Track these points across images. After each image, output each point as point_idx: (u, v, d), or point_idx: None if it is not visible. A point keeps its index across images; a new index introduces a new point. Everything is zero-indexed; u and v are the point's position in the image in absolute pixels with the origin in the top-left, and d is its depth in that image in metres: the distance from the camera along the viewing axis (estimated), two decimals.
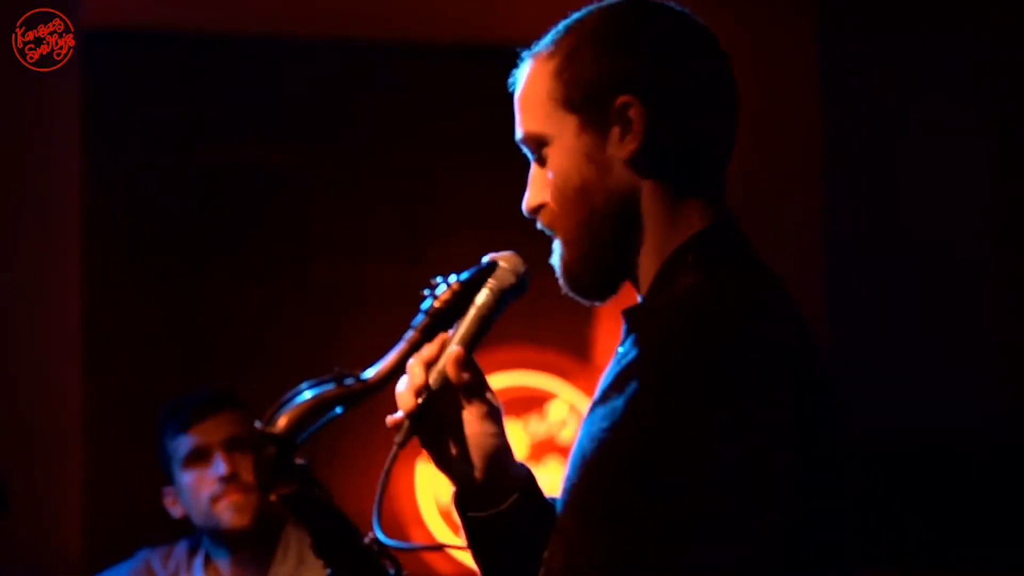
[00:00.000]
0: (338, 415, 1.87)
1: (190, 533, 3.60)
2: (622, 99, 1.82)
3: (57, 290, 4.42)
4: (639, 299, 1.87)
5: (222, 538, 3.50)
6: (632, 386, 1.73)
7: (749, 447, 1.69)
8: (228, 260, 4.72)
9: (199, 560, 3.56)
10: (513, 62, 1.93)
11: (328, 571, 1.91)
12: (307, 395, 1.85)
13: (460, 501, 1.94)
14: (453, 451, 1.93)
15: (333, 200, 4.81)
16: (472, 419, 1.90)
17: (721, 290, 1.80)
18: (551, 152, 1.87)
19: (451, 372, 1.89)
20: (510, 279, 1.92)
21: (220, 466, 3.46)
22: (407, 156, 4.84)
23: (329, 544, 1.87)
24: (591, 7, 1.89)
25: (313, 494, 1.84)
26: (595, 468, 1.75)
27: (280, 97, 4.78)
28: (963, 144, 4.87)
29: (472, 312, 1.91)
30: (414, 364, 1.90)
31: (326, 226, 4.80)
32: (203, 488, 3.48)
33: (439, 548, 1.87)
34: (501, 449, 1.91)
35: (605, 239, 1.85)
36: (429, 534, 4.65)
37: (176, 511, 3.56)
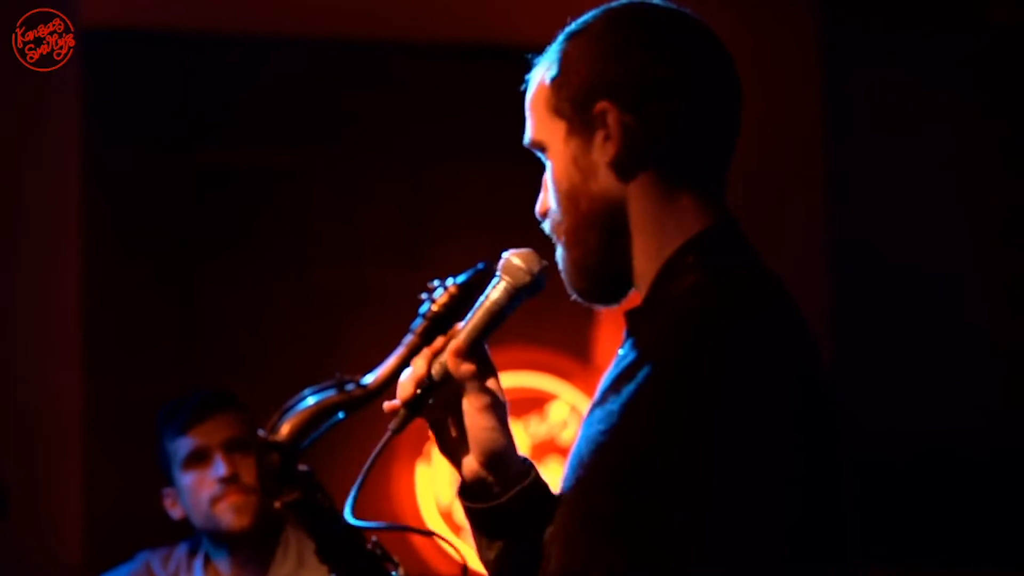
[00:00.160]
0: (340, 420, 1.88)
1: (190, 535, 3.59)
2: (601, 105, 1.83)
3: (56, 290, 4.42)
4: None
5: (222, 539, 3.49)
6: (629, 388, 1.74)
7: (749, 449, 1.68)
8: (227, 260, 4.72)
9: (199, 561, 3.55)
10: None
11: (332, 575, 1.91)
12: (309, 402, 1.86)
13: (462, 492, 1.95)
14: (456, 443, 1.94)
15: (332, 201, 4.81)
16: (471, 412, 1.91)
17: (720, 291, 1.79)
18: (549, 158, 1.89)
19: (450, 363, 1.89)
20: (524, 278, 1.92)
21: (220, 467, 3.46)
22: (407, 156, 4.84)
23: (333, 549, 1.88)
24: (593, 12, 1.90)
25: (317, 500, 1.85)
26: (591, 471, 1.76)
27: (279, 97, 4.78)
28: (965, 144, 4.87)
29: (483, 306, 1.92)
30: (420, 355, 1.92)
31: (326, 227, 4.80)
32: (203, 489, 3.47)
33: (408, 530, 1.88)
34: (500, 443, 1.91)
35: (593, 243, 1.86)
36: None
37: (176, 512, 3.56)
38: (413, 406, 1.91)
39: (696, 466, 1.67)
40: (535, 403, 4.77)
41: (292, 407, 1.84)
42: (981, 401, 4.76)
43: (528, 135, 1.91)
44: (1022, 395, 4.81)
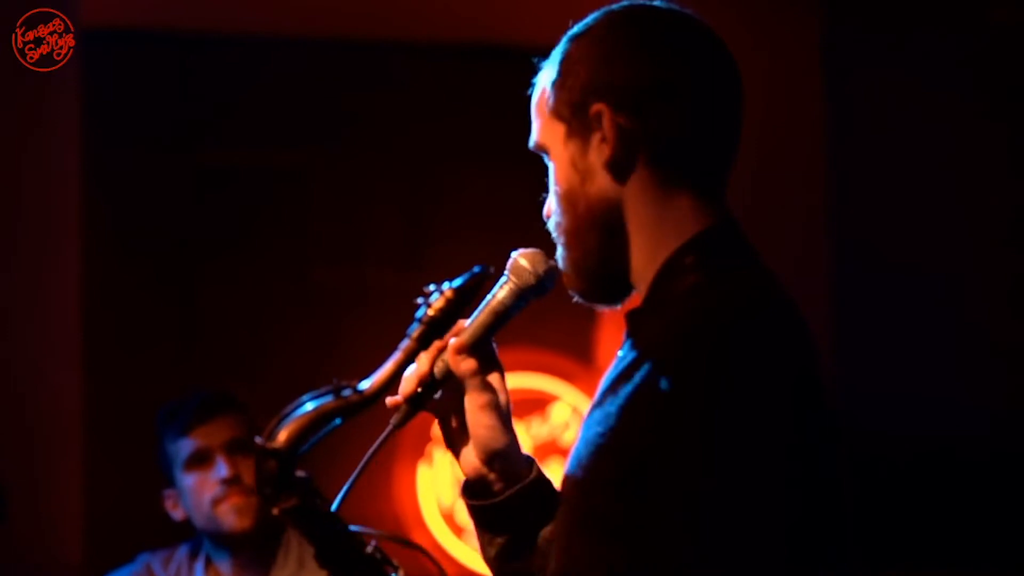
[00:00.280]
0: (337, 426, 1.88)
1: (190, 536, 3.59)
2: (596, 106, 1.83)
3: (56, 290, 4.41)
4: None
5: (223, 541, 3.49)
6: (626, 389, 1.74)
7: (749, 449, 1.68)
8: (227, 260, 4.71)
9: (200, 563, 3.55)
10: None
11: None
12: (305, 408, 1.87)
13: (464, 489, 1.97)
14: (459, 439, 1.96)
15: (332, 201, 4.80)
16: (472, 409, 1.93)
17: (720, 292, 1.79)
18: (551, 161, 1.90)
19: (450, 361, 1.91)
20: (529, 279, 1.93)
21: (222, 469, 3.46)
22: (407, 156, 4.83)
23: (332, 554, 1.88)
24: (595, 14, 1.90)
25: (315, 505, 1.85)
26: (590, 472, 1.76)
27: (279, 97, 4.78)
28: (967, 144, 4.87)
29: (489, 306, 1.93)
30: (424, 352, 1.93)
31: (326, 227, 4.80)
32: (205, 491, 3.47)
33: (391, 539, 1.89)
34: (500, 441, 1.93)
35: (592, 244, 1.86)
36: (430, 535, 4.65)
37: (177, 514, 3.55)
38: (414, 402, 1.93)
39: (696, 466, 1.67)
40: (537, 404, 4.77)
41: (289, 413, 1.85)
42: (982, 401, 4.76)
43: (532, 138, 1.92)
44: (1023, 396, 4.81)
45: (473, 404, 1.92)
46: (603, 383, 1.81)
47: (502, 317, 1.93)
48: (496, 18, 4.81)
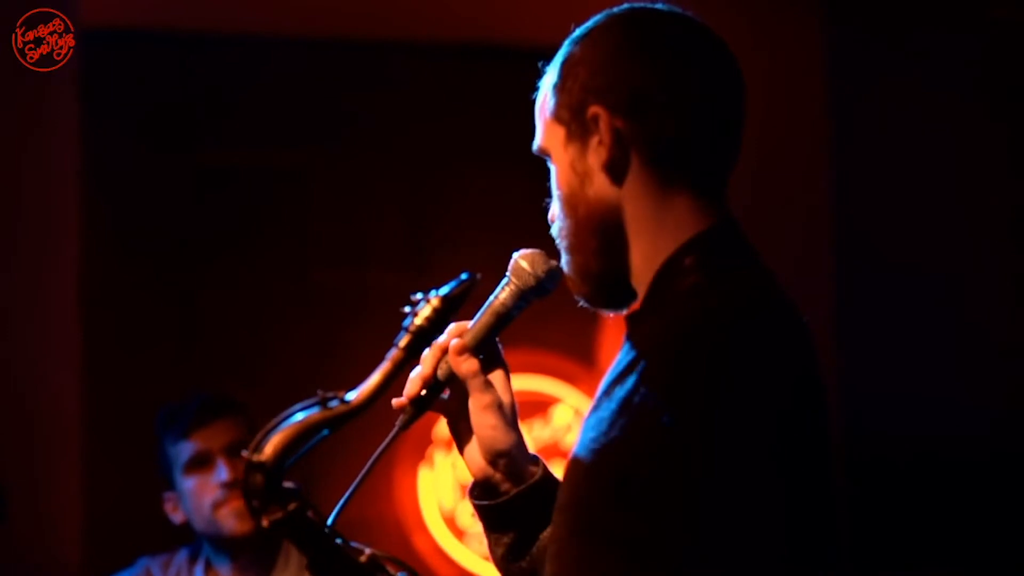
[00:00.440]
0: (325, 437, 1.88)
1: (190, 538, 3.58)
2: (593, 109, 1.83)
3: (56, 290, 4.41)
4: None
5: (223, 544, 3.49)
6: (620, 393, 1.74)
7: (748, 450, 1.68)
8: (227, 261, 4.71)
9: (200, 567, 3.54)
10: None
11: None
12: (292, 420, 1.86)
13: (471, 490, 1.99)
14: (466, 440, 1.97)
15: (333, 201, 4.80)
16: (475, 410, 1.94)
17: (720, 292, 1.79)
18: (553, 164, 1.90)
19: (452, 362, 1.93)
20: (530, 281, 1.94)
21: (222, 472, 3.45)
22: (407, 157, 4.83)
23: (325, 564, 1.88)
24: (597, 16, 1.89)
25: (306, 516, 1.84)
26: (587, 475, 1.76)
27: (279, 97, 4.78)
28: (968, 144, 4.86)
29: (491, 307, 1.95)
30: (428, 353, 1.94)
31: (326, 228, 4.79)
32: (205, 494, 3.47)
33: (378, 554, 1.88)
34: (504, 442, 1.94)
35: (593, 247, 1.86)
36: (432, 539, 4.64)
37: (177, 517, 3.55)
38: (419, 404, 1.94)
39: (695, 466, 1.67)
40: (539, 407, 4.76)
41: (276, 425, 1.84)
42: (982, 401, 4.76)
43: (535, 142, 1.92)
44: (1023, 396, 4.81)
45: (476, 405, 1.94)
46: (601, 386, 1.81)
47: (503, 318, 1.94)
48: (496, 18, 4.80)
